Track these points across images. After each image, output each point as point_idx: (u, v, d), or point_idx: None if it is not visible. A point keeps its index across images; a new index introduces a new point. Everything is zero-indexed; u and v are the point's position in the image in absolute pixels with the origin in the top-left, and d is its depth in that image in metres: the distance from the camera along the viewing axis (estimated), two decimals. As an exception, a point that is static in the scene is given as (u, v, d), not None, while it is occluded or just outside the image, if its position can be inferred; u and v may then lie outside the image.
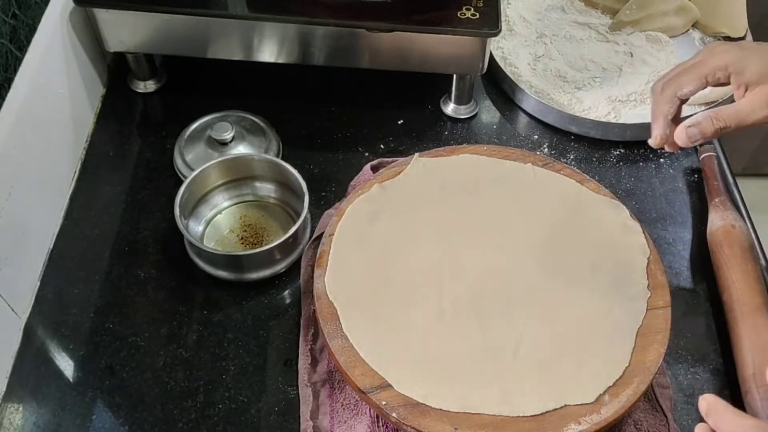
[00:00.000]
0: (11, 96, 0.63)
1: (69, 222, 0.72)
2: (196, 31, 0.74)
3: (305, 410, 0.59)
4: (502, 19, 0.73)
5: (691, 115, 0.57)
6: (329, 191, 0.74)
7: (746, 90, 0.55)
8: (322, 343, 0.62)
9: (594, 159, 0.78)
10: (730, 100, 0.79)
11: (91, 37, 0.77)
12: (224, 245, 0.69)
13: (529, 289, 0.62)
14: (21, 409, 0.60)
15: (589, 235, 0.66)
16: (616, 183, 0.76)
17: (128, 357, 0.63)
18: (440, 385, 0.56)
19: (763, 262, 0.69)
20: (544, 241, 0.65)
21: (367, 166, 0.74)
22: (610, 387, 0.56)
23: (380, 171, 0.71)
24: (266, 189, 0.72)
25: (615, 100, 0.80)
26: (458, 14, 0.71)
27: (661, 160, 0.78)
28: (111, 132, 0.79)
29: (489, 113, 0.82)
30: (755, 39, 0.86)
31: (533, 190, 0.69)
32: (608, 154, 0.79)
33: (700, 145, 0.76)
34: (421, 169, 0.70)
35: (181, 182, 0.67)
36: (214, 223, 0.71)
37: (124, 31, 0.74)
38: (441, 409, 0.55)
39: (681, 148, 0.57)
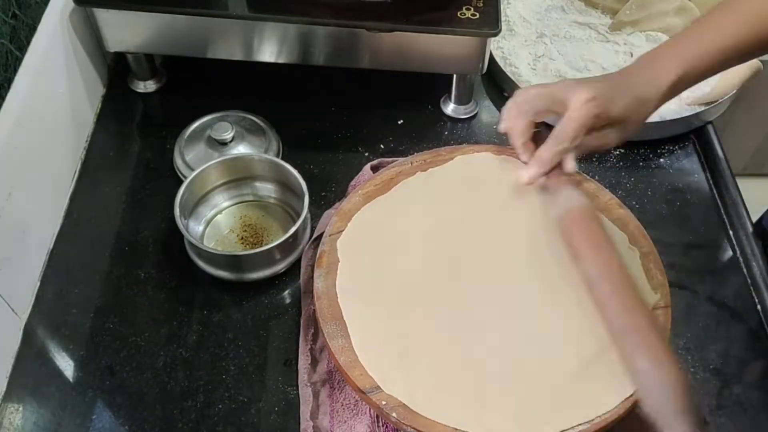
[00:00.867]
0: (11, 96, 0.63)
1: (69, 222, 0.72)
2: (196, 31, 0.74)
3: (305, 410, 0.59)
4: (502, 19, 0.73)
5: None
6: (329, 191, 0.74)
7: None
8: (322, 343, 0.62)
9: (594, 159, 0.78)
10: (730, 99, 0.79)
11: (92, 37, 0.77)
12: (224, 245, 0.69)
13: (532, 294, 0.62)
14: (21, 409, 0.60)
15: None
16: (616, 183, 0.76)
17: (128, 357, 0.63)
18: (437, 393, 0.56)
19: (762, 263, 0.69)
20: (546, 245, 0.65)
21: (367, 166, 0.74)
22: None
23: (380, 170, 0.71)
24: (266, 189, 0.72)
25: (615, 100, 0.80)
26: (458, 14, 0.71)
27: (661, 160, 0.78)
28: (111, 132, 0.80)
29: (489, 113, 0.82)
30: None
31: (534, 192, 0.68)
32: (608, 154, 0.79)
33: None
34: (426, 172, 0.70)
35: (181, 182, 0.67)
36: (214, 223, 0.71)
37: (124, 31, 0.74)
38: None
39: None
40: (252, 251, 0.65)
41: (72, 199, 0.73)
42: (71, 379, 0.62)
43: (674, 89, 0.61)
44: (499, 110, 0.82)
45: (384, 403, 0.55)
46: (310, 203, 0.67)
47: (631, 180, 0.77)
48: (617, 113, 0.59)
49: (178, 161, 0.73)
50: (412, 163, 0.70)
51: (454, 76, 0.78)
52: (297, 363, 0.62)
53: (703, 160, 0.79)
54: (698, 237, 0.72)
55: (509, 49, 0.85)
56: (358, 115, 0.81)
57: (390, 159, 0.75)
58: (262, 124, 0.76)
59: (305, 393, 0.60)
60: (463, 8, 0.71)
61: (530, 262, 0.64)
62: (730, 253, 0.71)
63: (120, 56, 0.82)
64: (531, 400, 0.56)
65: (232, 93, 0.82)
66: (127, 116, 0.81)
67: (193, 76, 0.84)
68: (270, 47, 0.75)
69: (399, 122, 0.80)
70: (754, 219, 0.73)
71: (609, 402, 0.55)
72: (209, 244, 0.69)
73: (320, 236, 0.66)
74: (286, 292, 0.67)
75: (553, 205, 0.64)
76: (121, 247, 0.70)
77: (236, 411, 0.60)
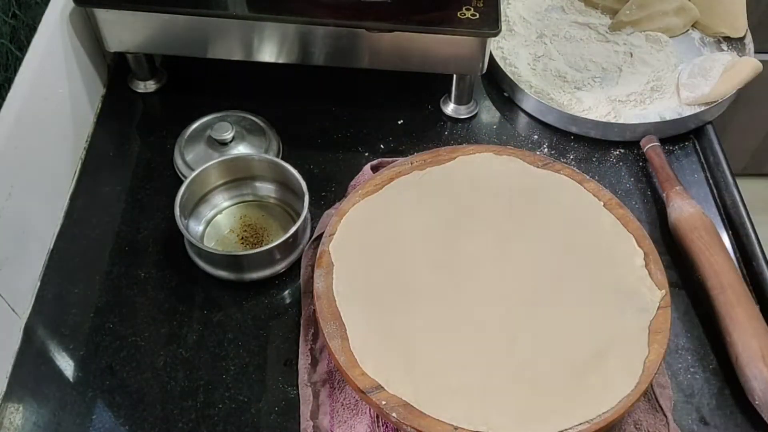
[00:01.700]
0: (11, 96, 0.63)
1: (69, 222, 0.72)
2: (196, 31, 0.74)
3: (305, 410, 0.59)
4: (502, 19, 0.73)
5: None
6: (329, 191, 0.74)
7: None
8: (322, 343, 0.62)
9: (594, 159, 0.78)
10: (730, 99, 0.79)
11: (91, 37, 0.77)
12: (224, 245, 0.69)
13: (531, 296, 0.62)
14: (21, 409, 0.60)
15: (587, 238, 0.65)
16: (616, 183, 0.76)
17: (128, 357, 0.63)
18: (437, 392, 0.56)
19: (762, 261, 0.69)
20: (544, 245, 0.65)
21: (367, 166, 0.74)
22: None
23: (380, 170, 0.71)
24: (266, 189, 0.72)
25: (615, 100, 0.80)
26: (458, 14, 0.71)
27: (661, 160, 0.78)
28: (111, 132, 0.79)
29: (489, 113, 0.82)
30: (755, 39, 0.86)
31: (534, 192, 0.69)
32: (608, 154, 0.79)
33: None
34: (423, 171, 0.70)
35: (181, 182, 0.67)
36: (214, 223, 0.71)
37: (124, 31, 0.74)
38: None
39: None
40: (252, 251, 0.65)
41: (72, 199, 0.73)
42: (71, 379, 0.62)
43: None
44: (499, 110, 0.83)
45: (384, 402, 0.55)
46: (310, 203, 0.67)
47: (630, 180, 0.77)
48: None
49: (178, 161, 0.73)
50: (412, 163, 0.70)
51: (454, 76, 0.78)
52: (297, 363, 0.62)
53: (703, 160, 0.79)
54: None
55: (509, 49, 0.85)
56: (358, 115, 0.81)
57: (390, 159, 0.75)
58: (262, 124, 0.76)
59: (305, 393, 0.60)
60: (463, 8, 0.71)
61: (530, 262, 0.64)
62: (730, 252, 0.70)
63: (120, 56, 0.82)
64: (532, 398, 0.56)
65: (232, 93, 0.82)
66: (127, 116, 0.81)
67: (193, 76, 0.84)
68: (270, 47, 0.75)
69: (399, 122, 0.80)
70: (755, 219, 0.73)
71: (610, 401, 0.55)
72: (209, 244, 0.69)
73: (320, 236, 0.66)
74: (286, 292, 0.67)
75: (676, 208, 0.69)
76: (121, 247, 0.70)
77: (236, 411, 0.60)
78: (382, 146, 0.78)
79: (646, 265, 0.63)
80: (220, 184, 0.71)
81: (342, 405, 0.59)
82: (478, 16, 0.71)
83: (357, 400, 0.59)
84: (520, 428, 0.54)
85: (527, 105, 0.81)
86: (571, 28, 0.87)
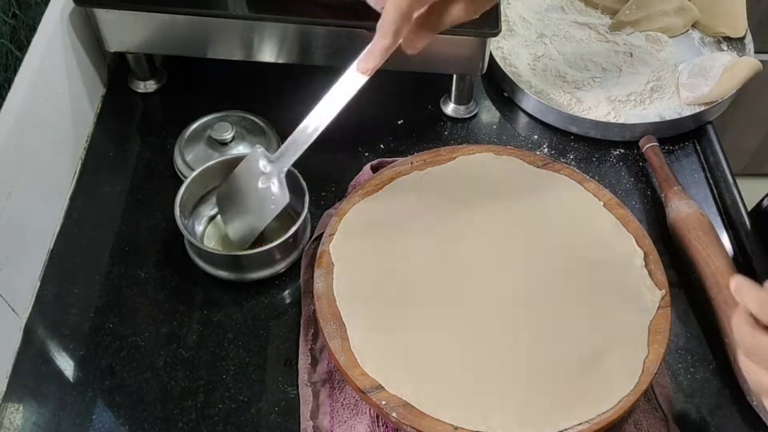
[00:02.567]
0: (11, 96, 0.63)
1: (69, 222, 0.72)
2: (196, 32, 0.74)
3: (305, 410, 0.59)
4: (502, 19, 0.73)
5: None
6: (329, 191, 0.74)
7: None
8: (322, 343, 0.62)
9: (594, 159, 0.78)
10: (730, 99, 0.79)
11: (91, 37, 0.77)
12: (225, 245, 0.69)
13: (531, 296, 0.62)
14: (21, 408, 0.60)
15: (587, 238, 0.65)
16: (616, 183, 0.76)
17: (128, 357, 0.63)
18: (437, 392, 0.56)
19: (762, 262, 0.69)
20: (544, 245, 0.65)
21: (367, 166, 0.74)
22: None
23: (380, 170, 0.71)
24: None
25: (615, 100, 0.80)
26: (458, 14, 0.70)
27: (661, 160, 0.78)
28: (111, 132, 0.79)
29: (489, 113, 0.82)
30: (755, 39, 0.86)
31: (534, 192, 0.69)
32: (608, 154, 0.79)
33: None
34: (423, 171, 0.70)
35: (181, 182, 0.67)
36: (215, 223, 0.71)
37: (124, 31, 0.74)
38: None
39: None
40: (252, 251, 0.65)
41: (72, 199, 0.73)
42: (71, 379, 0.62)
43: None
44: (499, 110, 0.83)
45: (384, 402, 0.55)
46: (310, 203, 0.67)
47: (630, 180, 0.77)
48: None
49: (178, 161, 0.73)
50: (412, 163, 0.70)
51: (454, 76, 0.78)
52: (297, 363, 0.62)
53: (703, 160, 0.79)
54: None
55: (509, 49, 0.85)
56: (358, 115, 0.80)
57: (390, 159, 0.75)
58: (262, 124, 0.75)
59: (305, 393, 0.60)
60: (463, 8, 0.71)
61: (529, 263, 0.64)
62: (730, 252, 0.70)
63: (120, 56, 0.82)
64: (531, 398, 0.56)
65: (233, 93, 0.82)
66: (127, 116, 0.81)
67: (194, 76, 0.84)
68: (270, 47, 0.75)
69: (399, 122, 0.80)
70: (754, 219, 0.73)
71: (609, 400, 0.55)
72: (210, 244, 0.69)
73: (320, 236, 0.66)
74: (286, 292, 0.67)
75: (674, 208, 0.69)
76: (121, 247, 0.70)
77: (236, 411, 0.60)
78: (382, 146, 0.78)
79: (646, 265, 0.63)
80: (220, 184, 0.70)
81: (342, 405, 0.59)
82: (477, 16, 0.70)
83: (357, 400, 0.59)
84: (520, 428, 0.54)
85: (527, 105, 0.81)
86: (571, 28, 0.87)
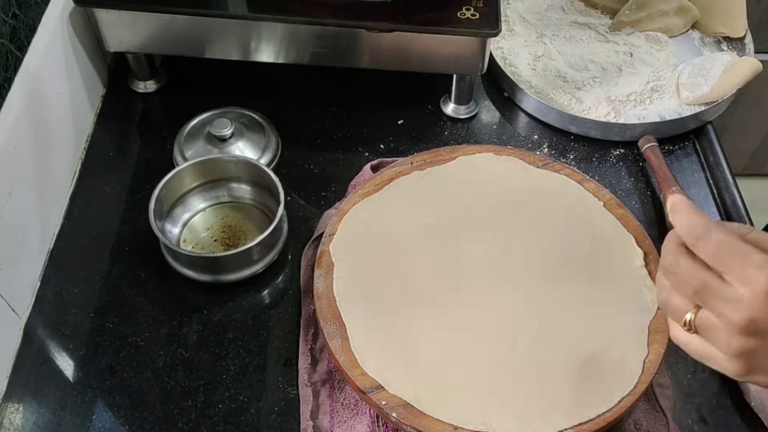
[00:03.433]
0: (11, 96, 0.63)
1: (69, 222, 0.72)
2: (196, 31, 0.74)
3: (305, 410, 0.59)
4: (502, 19, 0.73)
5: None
6: (329, 191, 0.74)
7: None
8: (322, 343, 0.62)
9: (594, 159, 0.78)
10: (730, 99, 0.79)
11: (91, 37, 0.77)
12: (202, 247, 0.69)
13: (531, 296, 0.62)
14: (21, 408, 0.60)
15: (587, 238, 0.65)
16: (616, 183, 0.76)
17: (128, 357, 0.63)
18: (437, 392, 0.56)
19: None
20: (544, 245, 0.65)
21: (367, 166, 0.74)
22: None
23: (380, 170, 0.71)
24: (242, 190, 0.71)
25: (615, 100, 0.80)
26: (458, 14, 0.70)
27: (661, 160, 0.78)
28: (111, 132, 0.80)
29: (489, 113, 0.82)
30: (755, 40, 0.86)
31: (534, 192, 0.69)
32: (608, 154, 0.79)
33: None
34: (423, 171, 0.70)
35: (181, 181, 0.67)
36: (190, 226, 0.70)
37: (124, 31, 0.74)
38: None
39: None
40: (228, 252, 0.64)
41: (72, 199, 0.73)
42: (71, 379, 0.62)
43: None
44: (499, 110, 0.83)
45: (384, 402, 0.55)
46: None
47: (630, 180, 0.77)
48: None
49: (178, 158, 0.73)
50: (412, 163, 0.70)
51: (454, 76, 0.78)
52: (297, 363, 0.62)
53: (703, 160, 0.79)
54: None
55: (509, 49, 0.85)
56: (358, 115, 0.81)
57: (390, 159, 0.75)
58: (261, 120, 0.75)
59: (305, 393, 0.60)
60: (463, 8, 0.71)
61: (530, 263, 0.64)
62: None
63: (120, 56, 0.82)
64: (531, 398, 0.56)
65: (233, 92, 0.81)
66: (127, 116, 0.81)
67: (194, 76, 0.84)
68: (270, 47, 0.75)
69: (399, 122, 0.80)
70: (754, 219, 0.73)
71: (609, 401, 0.55)
72: (187, 247, 0.68)
73: (320, 236, 0.66)
74: (287, 292, 0.67)
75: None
76: (121, 247, 0.70)
77: (236, 411, 0.60)
78: (382, 146, 0.78)
79: (646, 265, 0.63)
80: (195, 186, 0.70)
81: (342, 405, 0.59)
82: (478, 16, 0.71)
83: (357, 400, 0.59)
84: (520, 428, 0.54)
85: (527, 105, 0.81)
86: (571, 28, 0.87)
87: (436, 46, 0.73)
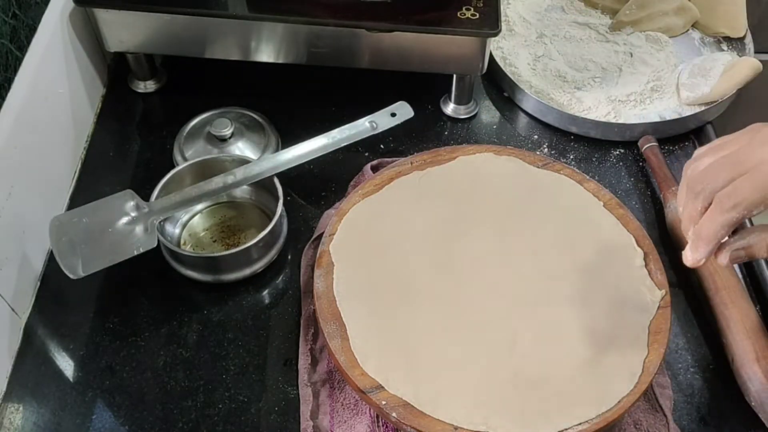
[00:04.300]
0: (11, 96, 0.63)
1: (69, 222, 0.72)
2: (196, 31, 0.74)
3: (305, 410, 0.59)
4: (502, 19, 0.73)
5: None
6: (329, 191, 0.74)
7: None
8: (322, 342, 0.62)
9: (594, 159, 0.78)
10: (730, 100, 0.79)
11: (91, 37, 0.77)
12: (202, 247, 0.69)
13: (531, 296, 0.62)
14: (21, 409, 0.60)
15: (587, 238, 0.66)
16: (616, 183, 0.76)
17: (128, 357, 0.63)
18: (437, 392, 0.56)
19: (762, 262, 0.69)
20: (545, 245, 0.65)
21: (368, 166, 0.74)
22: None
23: (380, 170, 0.71)
24: (242, 190, 0.71)
25: (615, 100, 0.80)
26: (458, 14, 0.71)
27: (661, 160, 0.78)
28: (111, 132, 0.80)
29: (489, 113, 0.82)
30: (755, 40, 0.86)
31: (534, 192, 0.69)
32: (608, 154, 0.79)
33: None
34: (423, 171, 0.70)
35: (181, 181, 0.67)
36: (190, 226, 0.70)
37: (124, 31, 0.74)
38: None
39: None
40: (227, 252, 0.64)
41: (72, 199, 0.73)
42: (71, 379, 0.62)
43: None
44: (499, 110, 0.83)
45: (384, 402, 0.55)
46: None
47: (630, 180, 0.77)
48: None
49: (178, 158, 0.73)
50: (412, 163, 0.70)
51: (454, 76, 0.78)
52: (297, 363, 0.62)
53: (703, 160, 0.79)
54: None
55: (509, 49, 0.85)
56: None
57: (390, 159, 0.75)
58: (261, 120, 0.76)
59: (305, 393, 0.60)
60: (463, 8, 0.71)
61: (530, 263, 0.64)
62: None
63: (120, 56, 0.82)
64: (532, 398, 0.56)
65: (233, 91, 0.82)
66: (127, 116, 0.81)
67: (193, 76, 0.84)
68: (270, 47, 0.75)
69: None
70: (754, 219, 0.73)
71: (609, 401, 0.55)
72: (186, 247, 0.68)
73: (320, 236, 0.66)
74: (287, 292, 0.67)
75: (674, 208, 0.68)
76: (121, 247, 0.70)
77: (236, 411, 0.60)
78: (382, 146, 0.78)
79: (646, 265, 0.63)
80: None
81: (342, 405, 0.59)
82: (478, 16, 0.71)
83: (357, 400, 0.59)
84: (520, 428, 0.54)
85: (527, 105, 0.81)
86: (571, 28, 0.87)
87: (436, 46, 0.73)
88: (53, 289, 0.67)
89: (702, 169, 0.47)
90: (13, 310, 0.63)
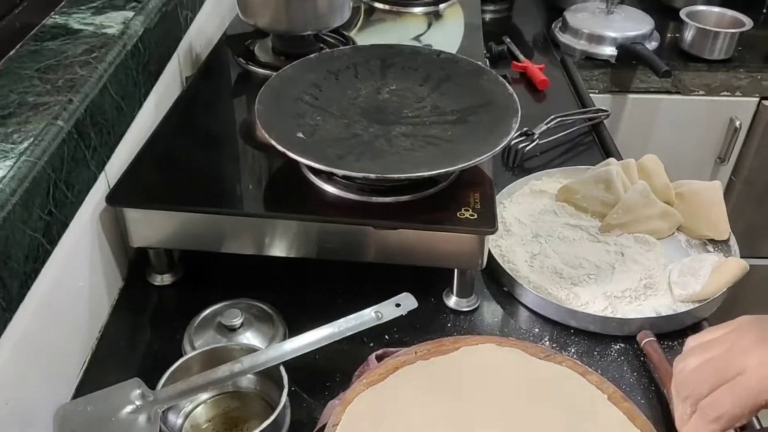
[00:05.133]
0: (35, 287, 0.65)
1: (72, 411, 0.71)
2: (215, 228, 0.79)
3: None
4: (499, 220, 0.79)
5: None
6: (333, 381, 0.74)
7: None
8: None
9: (595, 353, 0.79)
10: (722, 297, 0.82)
11: (117, 234, 0.83)
12: None
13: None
14: None
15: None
16: (619, 377, 0.76)
17: None
18: None
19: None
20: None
21: (372, 356, 0.75)
22: None
23: (385, 360, 0.72)
24: (247, 379, 0.72)
25: (611, 296, 0.83)
26: (458, 214, 0.76)
27: (662, 354, 0.79)
28: (124, 323, 0.82)
29: (490, 307, 0.85)
30: (741, 246, 0.90)
31: (536, 383, 0.69)
32: (609, 348, 0.80)
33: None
34: (427, 361, 0.71)
35: (188, 370, 0.68)
36: (193, 416, 0.70)
37: (149, 228, 0.79)
38: None
39: None
40: None
41: (78, 389, 0.73)
42: None
43: None
44: (500, 304, 0.86)
45: None
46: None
47: (633, 374, 0.77)
48: None
49: (187, 347, 0.75)
50: (416, 353, 0.72)
51: (456, 270, 0.82)
52: None
53: (703, 354, 0.80)
54: None
55: (507, 247, 0.90)
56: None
57: (395, 348, 0.76)
58: (270, 311, 0.78)
59: None
60: (462, 209, 0.77)
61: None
62: None
63: (141, 251, 0.87)
64: None
65: (244, 283, 0.85)
66: (142, 308, 0.84)
67: (208, 269, 0.88)
68: (283, 243, 0.80)
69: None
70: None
71: None
72: None
73: (323, 427, 0.65)
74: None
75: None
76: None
77: None
78: (386, 337, 0.80)
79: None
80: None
81: None
82: (476, 216, 0.76)
83: None
84: None
85: (527, 299, 0.84)
86: (564, 229, 0.93)
87: (438, 243, 0.78)
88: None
89: (688, 371, 0.51)
90: None
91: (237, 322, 0.74)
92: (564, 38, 1.55)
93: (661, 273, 0.87)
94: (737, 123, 1.55)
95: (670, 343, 0.80)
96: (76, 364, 0.75)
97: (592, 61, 1.51)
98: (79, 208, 0.75)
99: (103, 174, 0.78)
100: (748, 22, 1.52)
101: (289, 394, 0.66)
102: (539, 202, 0.98)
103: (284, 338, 0.77)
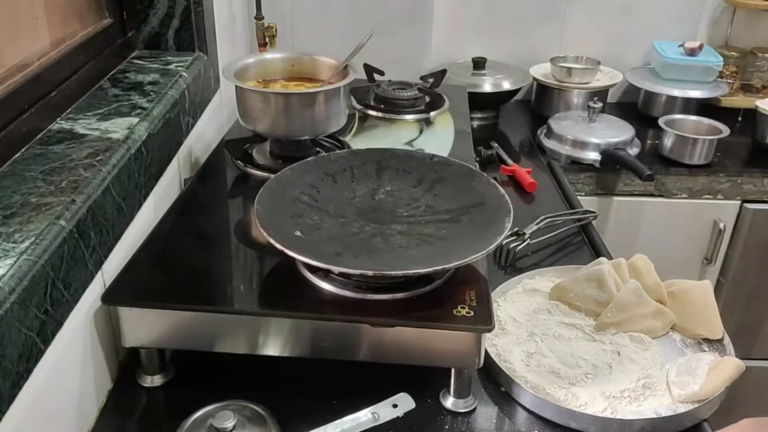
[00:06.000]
0: (25, 389, 0.63)
1: None
2: (208, 327, 0.79)
3: None
4: (495, 318, 0.79)
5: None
6: (329, 488, 0.71)
7: None
8: None
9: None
10: (720, 398, 0.81)
11: (109, 335, 0.82)
12: None
13: None
14: None
15: None
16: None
17: None
18: None
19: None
20: None
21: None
22: None
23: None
24: None
25: (610, 396, 0.82)
26: (454, 312, 0.77)
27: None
28: (111, 426, 0.79)
29: (487, 408, 0.83)
30: (735, 345, 0.90)
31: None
32: (609, 443, 0.78)
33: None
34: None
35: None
36: None
37: (143, 327, 0.79)
38: None
39: None
40: None
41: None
42: None
43: None
44: (497, 405, 0.84)
45: None
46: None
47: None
48: None
49: (179, 451, 0.72)
50: (414, 456, 0.70)
51: (453, 370, 0.81)
52: None
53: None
54: None
55: (503, 346, 0.89)
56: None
57: (392, 454, 0.74)
58: (263, 413, 0.76)
59: None
60: (458, 307, 0.77)
61: None
62: None
63: (133, 351, 0.86)
64: None
65: (236, 384, 0.83)
66: (130, 411, 0.82)
67: (199, 369, 0.86)
68: (277, 341, 0.79)
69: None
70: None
71: None
72: None
73: None
74: None
75: None
76: None
77: None
78: (383, 440, 0.78)
79: None
80: None
81: None
82: (472, 313, 0.77)
83: None
84: None
85: (525, 400, 0.83)
86: (559, 327, 0.93)
87: (435, 341, 0.77)
88: None
89: None
90: None
91: (229, 424, 0.72)
92: (549, 143, 1.61)
93: (659, 372, 0.87)
94: (721, 225, 1.58)
95: (671, 447, 0.79)
96: (59, 470, 0.72)
97: (577, 164, 1.57)
98: (74, 307, 0.75)
99: (99, 273, 0.79)
100: (725, 130, 1.59)
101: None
102: (533, 300, 0.98)
103: (278, 441, 0.75)
